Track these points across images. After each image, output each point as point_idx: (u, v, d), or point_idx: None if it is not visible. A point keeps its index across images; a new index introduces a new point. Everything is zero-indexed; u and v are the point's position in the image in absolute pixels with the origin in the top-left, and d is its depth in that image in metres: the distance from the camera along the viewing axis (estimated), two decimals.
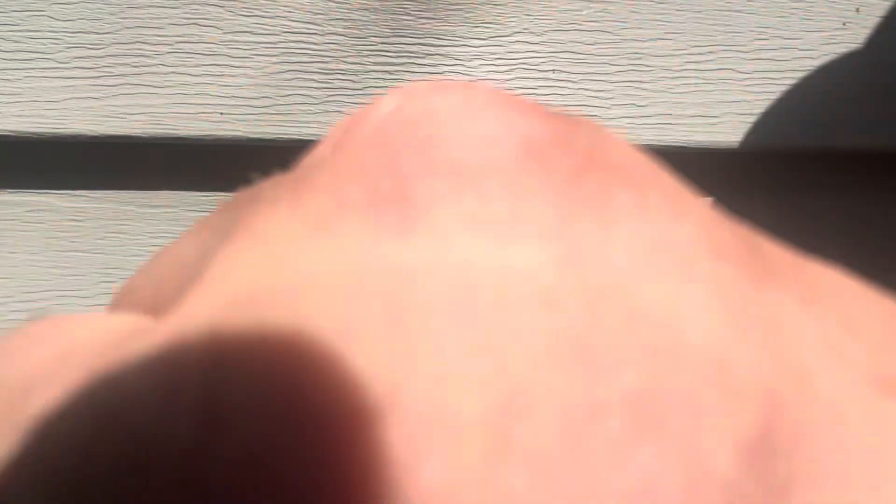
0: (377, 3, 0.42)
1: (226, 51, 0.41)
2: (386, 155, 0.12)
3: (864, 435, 0.11)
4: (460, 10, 0.43)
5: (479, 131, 0.13)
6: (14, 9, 0.39)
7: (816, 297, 0.13)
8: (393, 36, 0.42)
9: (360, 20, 0.42)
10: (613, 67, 0.44)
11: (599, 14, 0.44)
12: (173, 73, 0.41)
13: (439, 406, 0.10)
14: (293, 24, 0.41)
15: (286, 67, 0.42)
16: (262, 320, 0.10)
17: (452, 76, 0.43)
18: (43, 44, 0.40)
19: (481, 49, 0.43)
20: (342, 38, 0.42)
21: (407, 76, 0.43)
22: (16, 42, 0.40)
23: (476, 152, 0.12)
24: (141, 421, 0.09)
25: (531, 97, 0.43)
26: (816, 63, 0.46)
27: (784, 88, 0.46)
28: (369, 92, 0.42)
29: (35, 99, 0.40)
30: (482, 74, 0.43)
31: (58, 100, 0.40)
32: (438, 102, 0.13)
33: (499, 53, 0.43)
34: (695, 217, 0.12)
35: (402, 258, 0.11)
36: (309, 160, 0.14)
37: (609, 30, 0.44)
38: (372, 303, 0.10)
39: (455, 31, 0.43)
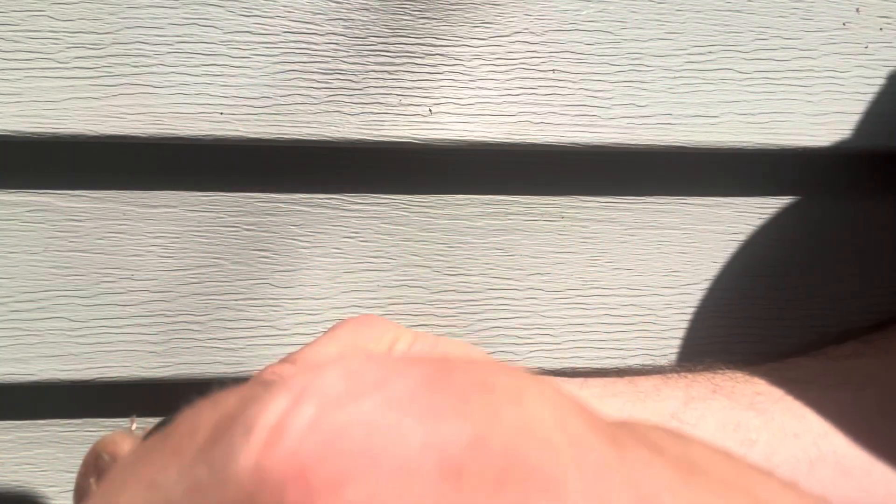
0: (377, 3, 0.42)
1: (226, 51, 0.41)
2: (305, 494, 0.13)
3: None
4: (460, 10, 0.43)
5: (394, 458, 0.13)
6: (14, 9, 0.39)
7: None
8: (393, 36, 0.42)
9: (360, 20, 0.42)
10: (613, 67, 0.44)
11: (599, 14, 0.44)
12: (173, 73, 0.41)
13: None
14: (293, 24, 0.41)
15: (286, 67, 0.42)
16: None
17: (452, 76, 0.43)
18: (43, 44, 0.40)
19: (481, 49, 0.43)
20: (342, 38, 0.42)
21: (407, 76, 0.43)
22: (16, 42, 0.40)
23: (391, 488, 0.13)
24: None
25: (530, 97, 0.43)
26: (816, 63, 0.46)
27: (784, 88, 0.46)
28: (369, 92, 0.42)
29: (35, 99, 0.40)
30: (482, 74, 0.43)
31: (58, 100, 0.40)
32: (353, 415, 0.14)
33: (499, 53, 0.43)
34: None
35: None
36: (231, 468, 0.14)
37: (609, 30, 0.44)
38: None
39: (455, 31, 0.43)
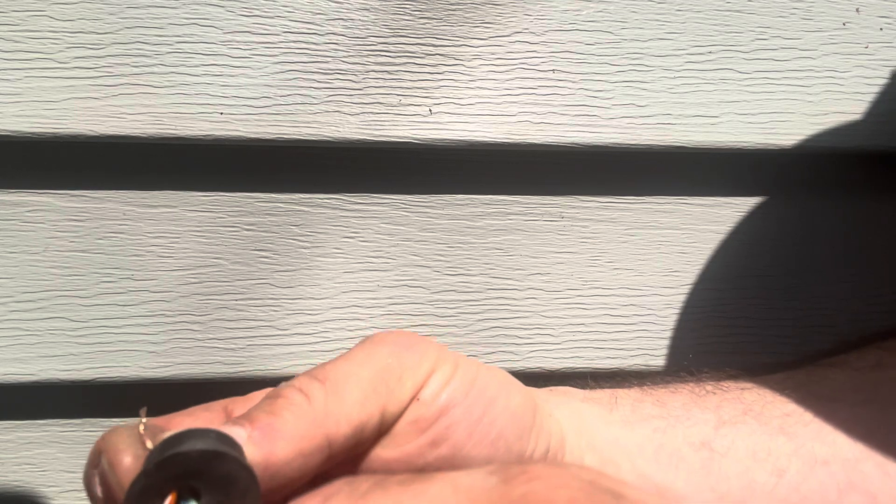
0: (377, 3, 0.42)
1: (226, 51, 0.41)
2: None
3: None
4: (460, 10, 0.43)
5: None
6: (14, 9, 0.39)
7: None
8: (393, 36, 0.42)
9: (360, 20, 0.42)
10: (613, 67, 0.44)
11: (599, 14, 0.44)
12: (173, 73, 0.41)
13: None
14: (293, 24, 0.41)
15: (286, 67, 0.42)
16: None
17: (452, 76, 0.43)
18: (43, 44, 0.40)
19: (481, 49, 0.43)
20: (342, 38, 0.42)
21: (407, 76, 0.43)
22: (16, 42, 0.40)
23: None
24: None
25: (530, 97, 0.43)
26: (816, 63, 0.46)
27: (784, 88, 0.46)
28: (369, 92, 0.42)
29: (35, 99, 0.40)
30: (482, 74, 0.43)
31: (58, 100, 0.40)
32: None
33: (499, 53, 0.43)
34: None
35: None
36: None
37: (609, 30, 0.44)
38: None
39: (455, 31, 0.43)
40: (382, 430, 0.29)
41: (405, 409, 0.29)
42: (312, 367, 0.30)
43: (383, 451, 0.29)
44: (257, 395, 0.30)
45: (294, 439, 0.26)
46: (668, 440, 0.36)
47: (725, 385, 0.39)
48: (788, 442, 0.37)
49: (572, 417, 0.35)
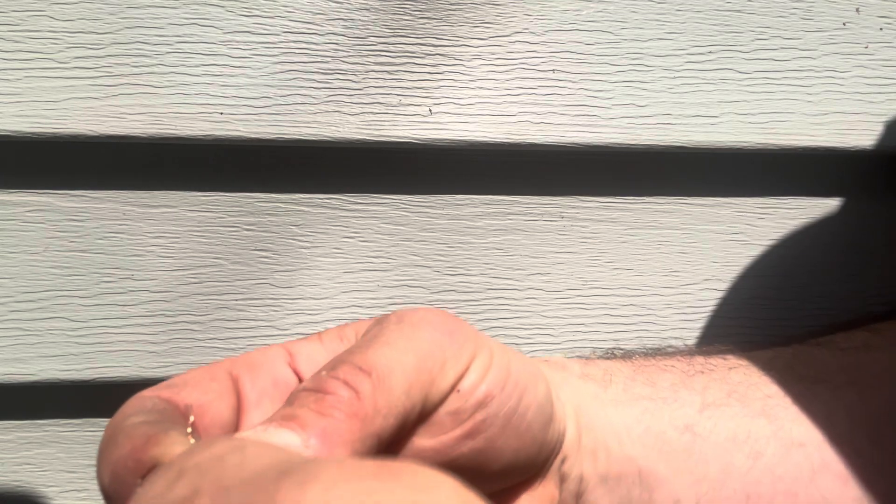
0: (377, 3, 0.42)
1: (226, 51, 0.41)
2: None
3: None
4: (460, 10, 0.43)
5: None
6: (14, 9, 0.39)
7: None
8: (393, 36, 0.42)
9: (360, 20, 0.42)
10: (613, 67, 0.44)
11: (599, 14, 0.44)
12: (173, 73, 0.41)
13: None
14: (293, 24, 0.41)
15: (286, 67, 0.42)
16: None
17: (452, 76, 0.43)
18: (43, 44, 0.40)
19: (481, 49, 0.43)
20: (342, 38, 0.42)
21: (407, 76, 0.43)
22: (16, 42, 0.40)
23: None
24: None
25: (530, 97, 0.43)
26: (816, 63, 0.46)
27: (784, 88, 0.46)
28: (369, 92, 0.42)
29: (35, 99, 0.40)
30: (482, 74, 0.43)
31: (58, 100, 0.40)
32: None
33: (499, 53, 0.43)
34: None
35: None
36: None
37: (609, 30, 0.44)
38: None
39: (455, 31, 0.43)
40: (421, 418, 0.29)
41: (445, 398, 0.29)
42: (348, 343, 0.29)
43: (419, 440, 0.29)
44: (256, 356, 0.30)
45: (349, 443, 0.25)
46: (654, 422, 0.36)
47: (714, 363, 0.40)
48: (768, 424, 0.37)
49: (574, 397, 0.35)
